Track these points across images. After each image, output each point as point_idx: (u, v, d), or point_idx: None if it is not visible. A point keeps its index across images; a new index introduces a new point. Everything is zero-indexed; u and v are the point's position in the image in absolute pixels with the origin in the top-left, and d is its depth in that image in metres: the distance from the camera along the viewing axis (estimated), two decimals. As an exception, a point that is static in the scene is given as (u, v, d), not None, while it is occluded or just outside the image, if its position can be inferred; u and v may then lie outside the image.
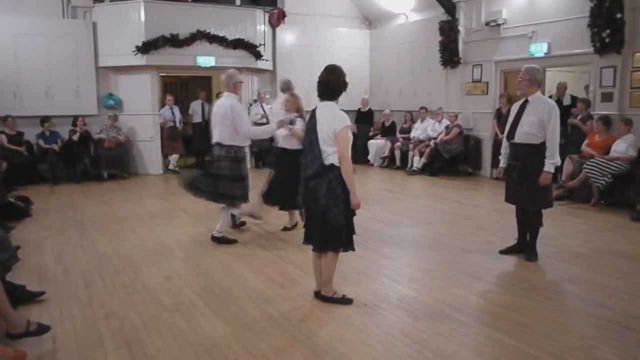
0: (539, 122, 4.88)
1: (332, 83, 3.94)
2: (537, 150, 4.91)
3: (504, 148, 5.29)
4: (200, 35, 10.98)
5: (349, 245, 4.05)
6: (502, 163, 5.31)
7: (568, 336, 3.53)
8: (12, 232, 6.19)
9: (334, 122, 3.83)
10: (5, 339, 3.42)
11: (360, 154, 12.44)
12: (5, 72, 10.18)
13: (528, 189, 4.99)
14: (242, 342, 3.48)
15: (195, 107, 12.60)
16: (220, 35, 11.18)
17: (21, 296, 4.08)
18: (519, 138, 5.01)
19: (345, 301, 4.11)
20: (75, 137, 10.45)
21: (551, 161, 4.88)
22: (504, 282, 4.68)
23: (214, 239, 5.81)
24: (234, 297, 4.28)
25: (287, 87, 6.83)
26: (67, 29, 10.71)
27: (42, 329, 3.50)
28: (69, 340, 3.53)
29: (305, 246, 4.18)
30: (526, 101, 5.05)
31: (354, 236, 4.08)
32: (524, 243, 5.29)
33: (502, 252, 5.37)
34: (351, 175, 3.87)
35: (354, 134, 7.98)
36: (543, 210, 5.15)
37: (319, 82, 3.99)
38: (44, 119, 10.32)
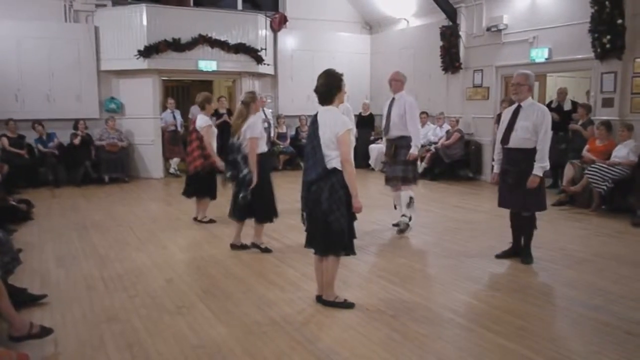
0: (533, 127, 4.92)
1: (326, 87, 3.95)
2: (532, 155, 4.95)
3: (497, 154, 5.32)
4: (202, 40, 11.00)
5: (350, 249, 4.06)
6: (496, 169, 5.33)
7: (570, 341, 3.53)
8: (13, 235, 6.19)
9: (335, 126, 3.85)
10: (7, 342, 3.42)
11: (361, 159, 12.44)
12: (7, 75, 10.19)
13: (523, 193, 5.01)
14: (243, 345, 3.48)
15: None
16: (222, 39, 11.20)
17: (23, 299, 4.08)
18: (513, 143, 5.04)
19: (347, 305, 4.11)
20: (77, 141, 10.47)
21: (540, 165, 4.92)
22: (506, 287, 4.68)
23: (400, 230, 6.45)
24: (235, 300, 4.28)
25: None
26: (69, 33, 10.74)
27: (45, 332, 3.51)
28: (70, 343, 3.53)
29: (307, 250, 4.19)
30: (519, 106, 5.08)
31: (355, 240, 4.09)
32: (518, 246, 5.33)
33: (498, 256, 5.40)
34: (354, 179, 3.88)
35: (355, 138, 7.91)
36: (538, 213, 5.20)
37: (315, 87, 4.01)
38: (35, 124, 10.27)
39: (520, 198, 5.06)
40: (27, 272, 4.95)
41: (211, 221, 7.07)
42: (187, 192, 7.15)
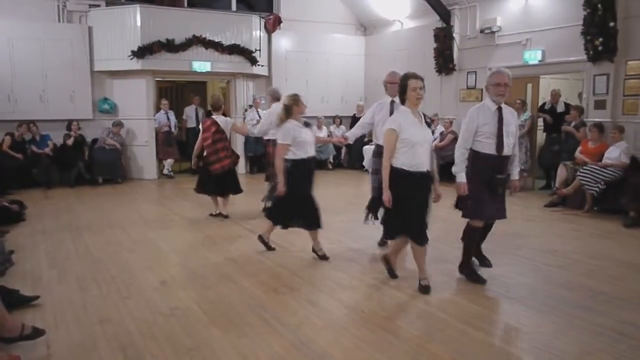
0: (517, 130, 4.75)
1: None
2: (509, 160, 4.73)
3: (465, 160, 4.63)
4: (196, 41, 11.00)
5: (418, 237, 4.49)
6: (463, 178, 4.62)
7: (562, 342, 3.54)
8: (6, 236, 6.16)
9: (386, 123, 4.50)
10: (-1, 344, 3.41)
11: (355, 160, 12.45)
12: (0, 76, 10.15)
13: (503, 201, 4.75)
14: (237, 347, 3.47)
15: (189, 112, 12.63)
16: (216, 40, 11.20)
17: (15, 301, 4.05)
18: (507, 150, 4.60)
19: (426, 291, 4.49)
20: (70, 142, 10.43)
21: (519, 168, 4.89)
22: (498, 288, 4.69)
23: None
24: (229, 303, 4.27)
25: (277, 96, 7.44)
26: (62, 34, 10.70)
27: (37, 333, 3.48)
28: (63, 345, 3.51)
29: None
30: (500, 109, 4.56)
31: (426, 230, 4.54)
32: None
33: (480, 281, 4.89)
34: (385, 172, 4.32)
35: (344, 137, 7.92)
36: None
37: None
38: (30, 124, 10.20)
39: (503, 206, 4.77)
40: (19, 273, 4.92)
41: (226, 216, 7.36)
42: (219, 190, 7.37)
